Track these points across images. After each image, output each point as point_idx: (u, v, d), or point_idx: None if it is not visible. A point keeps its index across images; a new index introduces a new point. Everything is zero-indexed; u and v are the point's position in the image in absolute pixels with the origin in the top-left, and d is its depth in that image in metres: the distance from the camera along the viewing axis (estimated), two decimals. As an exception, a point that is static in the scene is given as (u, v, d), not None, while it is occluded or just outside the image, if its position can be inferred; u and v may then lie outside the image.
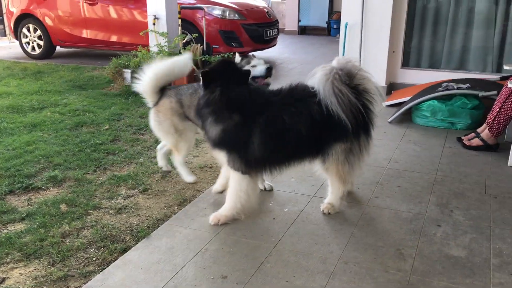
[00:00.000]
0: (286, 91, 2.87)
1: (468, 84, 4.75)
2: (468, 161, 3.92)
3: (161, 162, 3.75)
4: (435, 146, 4.26)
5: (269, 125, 2.73)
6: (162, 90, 3.36)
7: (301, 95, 2.82)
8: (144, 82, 3.28)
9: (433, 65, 6.11)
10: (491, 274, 2.41)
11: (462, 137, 4.31)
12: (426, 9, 6.02)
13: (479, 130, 4.20)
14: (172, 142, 3.42)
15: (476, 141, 4.15)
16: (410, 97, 5.11)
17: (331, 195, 3.03)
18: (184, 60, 3.33)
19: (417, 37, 6.11)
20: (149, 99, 3.38)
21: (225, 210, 2.93)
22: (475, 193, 3.33)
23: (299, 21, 13.32)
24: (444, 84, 4.85)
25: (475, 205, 3.14)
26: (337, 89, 2.67)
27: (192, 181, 3.55)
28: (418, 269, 2.45)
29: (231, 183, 2.89)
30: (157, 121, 3.36)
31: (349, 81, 2.76)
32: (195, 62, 6.76)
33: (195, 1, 8.06)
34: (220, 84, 2.74)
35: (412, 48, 6.15)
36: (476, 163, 3.87)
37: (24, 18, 8.96)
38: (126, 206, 3.24)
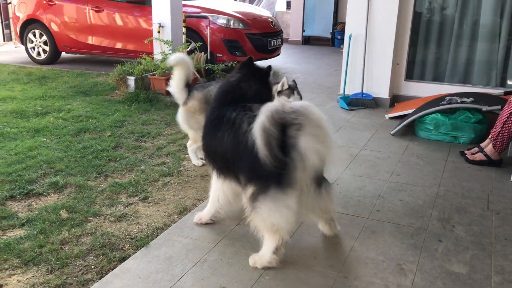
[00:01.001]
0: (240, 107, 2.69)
1: (471, 98, 4.74)
2: (471, 176, 3.90)
3: (194, 160, 4.12)
4: (437, 160, 4.25)
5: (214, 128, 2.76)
6: (189, 88, 3.86)
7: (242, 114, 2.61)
8: (174, 81, 3.86)
9: (437, 78, 6.11)
10: (492, 291, 2.39)
11: (465, 151, 4.30)
12: (431, 21, 6.03)
13: (482, 144, 4.18)
14: (193, 136, 3.95)
15: (479, 156, 4.13)
16: (414, 109, 5.10)
17: (263, 246, 2.59)
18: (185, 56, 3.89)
19: (421, 50, 6.12)
20: (179, 98, 3.89)
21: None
22: (477, 208, 3.30)
23: (303, 31, 13.36)
24: (447, 98, 4.84)
25: (477, 221, 3.12)
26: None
27: (197, 165, 4.08)
28: (418, 285, 2.43)
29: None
30: (185, 118, 3.89)
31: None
32: (199, 71, 6.79)
33: (200, 10, 8.10)
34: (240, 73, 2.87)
35: (416, 60, 6.16)
36: (479, 178, 3.85)
37: (30, 23, 9.01)
38: (126, 214, 3.23)
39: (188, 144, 4.13)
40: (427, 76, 6.15)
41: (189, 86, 3.88)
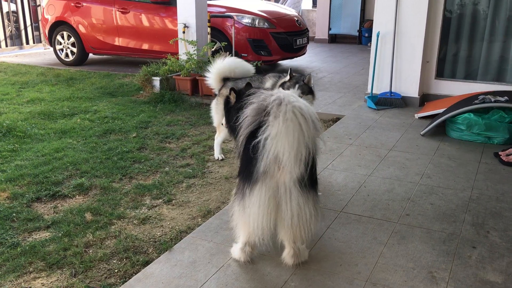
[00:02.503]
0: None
1: (506, 97, 4.55)
2: (506, 178, 3.72)
3: (217, 152, 4.28)
4: (470, 162, 4.08)
5: None
6: (225, 81, 4.09)
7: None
8: (209, 75, 4.13)
9: (469, 76, 5.90)
10: (531, 303, 2.26)
11: (500, 152, 4.12)
12: (462, 17, 5.82)
13: (518, 145, 4.00)
14: (217, 122, 4.11)
15: (514, 157, 3.96)
16: (445, 109, 4.93)
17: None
18: (248, 66, 4.19)
19: (452, 47, 5.92)
20: (214, 88, 4.19)
21: None
22: (513, 213, 3.15)
23: (329, 29, 13.18)
24: (480, 97, 4.66)
25: (514, 226, 2.97)
26: None
27: (218, 159, 4.26)
28: (451, 295, 2.31)
29: None
30: (215, 103, 4.10)
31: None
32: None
33: (225, 10, 8.07)
34: None
35: (447, 58, 5.96)
36: (514, 181, 3.68)
37: (58, 25, 9.16)
38: (150, 216, 3.21)
39: (215, 136, 4.27)
40: (459, 74, 5.95)
41: (225, 79, 4.14)
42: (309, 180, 2.31)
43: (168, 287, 2.40)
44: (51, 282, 2.51)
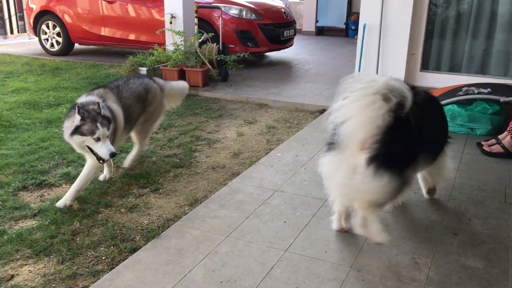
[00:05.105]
0: None
1: (489, 89, 4.62)
2: (488, 168, 3.81)
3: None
4: (453, 152, 4.16)
5: None
6: None
7: None
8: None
9: (454, 68, 5.98)
10: (509, 286, 2.33)
11: (482, 143, 4.20)
12: (448, 11, 5.89)
13: (500, 136, 4.08)
14: None
15: (496, 148, 4.04)
16: (429, 101, 4.99)
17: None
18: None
19: (437, 40, 5.99)
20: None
21: None
22: (494, 201, 3.22)
23: (316, 21, 13.22)
24: (464, 89, 4.74)
25: (494, 214, 3.04)
26: None
27: None
28: (433, 279, 2.38)
29: None
30: None
31: None
32: (211, 62, 6.75)
33: (212, 0, 8.04)
34: None
35: (432, 50, 6.03)
36: (496, 171, 3.76)
37: (43, 14, 9.05)
38: (137, 205, 3.22)
39: None
40: (443, 67, 6.02)
41: None
42: None
43: (156, 273, 2.42)
44: (38, 269, 2.51)
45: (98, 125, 3.02)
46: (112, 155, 3.08)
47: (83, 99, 3.23)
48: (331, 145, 2.50)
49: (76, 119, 3.01)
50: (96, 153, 3.08)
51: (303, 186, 3.42)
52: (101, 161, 3.12)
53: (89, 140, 3.04)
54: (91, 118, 3.02)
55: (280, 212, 3.05)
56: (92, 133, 3.01)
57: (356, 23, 11.11)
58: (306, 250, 2.62)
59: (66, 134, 3.10)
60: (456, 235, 2.79)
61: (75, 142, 3.09)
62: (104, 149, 3.04)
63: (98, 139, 3.03)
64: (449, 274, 2.42)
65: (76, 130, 3.02)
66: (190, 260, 2.53)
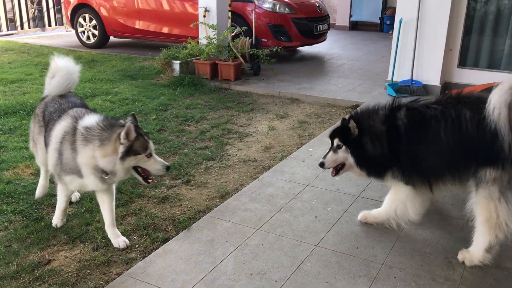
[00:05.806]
0: None
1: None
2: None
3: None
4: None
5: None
6: None
7: None
8: None
9: (493, 65, 5.79)
10: (549, 290, 2.25)
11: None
12: (488, 5, 5.71)
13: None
14: None
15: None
16: (466, 98, 4.87)
17: (474, 243, 2.47)
18: None
19: (476, 35, 5.81)
20: None
21: (378, 212, 2.81)
22: (533, 202, 3.11)
23: (350, 16, 13.04)
24: (503, 86, 4.58)
25: (533, 216, 2.94)
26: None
27: None
28: (467, 280, 2.32)
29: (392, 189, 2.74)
30: None
31: None
32: (243, 55, 6.75)
33: (246, -6, 8.03)
34: None
35: (470, 46, 5.86)
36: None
37: (80, 8, 9.24)
38: (169, 196, 3.26)
39: None
40: (482, 63, 5.85)
41: None
42: None
43: (187, 263, 2.45)
44: (74, 255, 2.58)
45: (147, 138, 2.56)
46: (168, 168, 2.59)
47: (91, 119, 2.71)
48: None
49: (129, 137, 2.47)
50: (142, 173, 2.57)
51: (334, 181, 3.39)
52: (149, 181, 2.59)
53: (142, 159, 2.51)
54: (138, 133, 2.53)
55: (311, 207, 3.04)
56: (145, 148, 2.51)
57: (392, 18, 10.89)
58: (337, 246, 2.61)
59: (110, 162, 2.47)
60: (493, 236, 2.71)
61: (127, 166, 2.50)
62: (157, 164, 2.53)
63: (150, 155, 2.54)
64: (484, 275, 2.36)
65: (130, 151, 2.47)
66: (221, 251, 2.55)
